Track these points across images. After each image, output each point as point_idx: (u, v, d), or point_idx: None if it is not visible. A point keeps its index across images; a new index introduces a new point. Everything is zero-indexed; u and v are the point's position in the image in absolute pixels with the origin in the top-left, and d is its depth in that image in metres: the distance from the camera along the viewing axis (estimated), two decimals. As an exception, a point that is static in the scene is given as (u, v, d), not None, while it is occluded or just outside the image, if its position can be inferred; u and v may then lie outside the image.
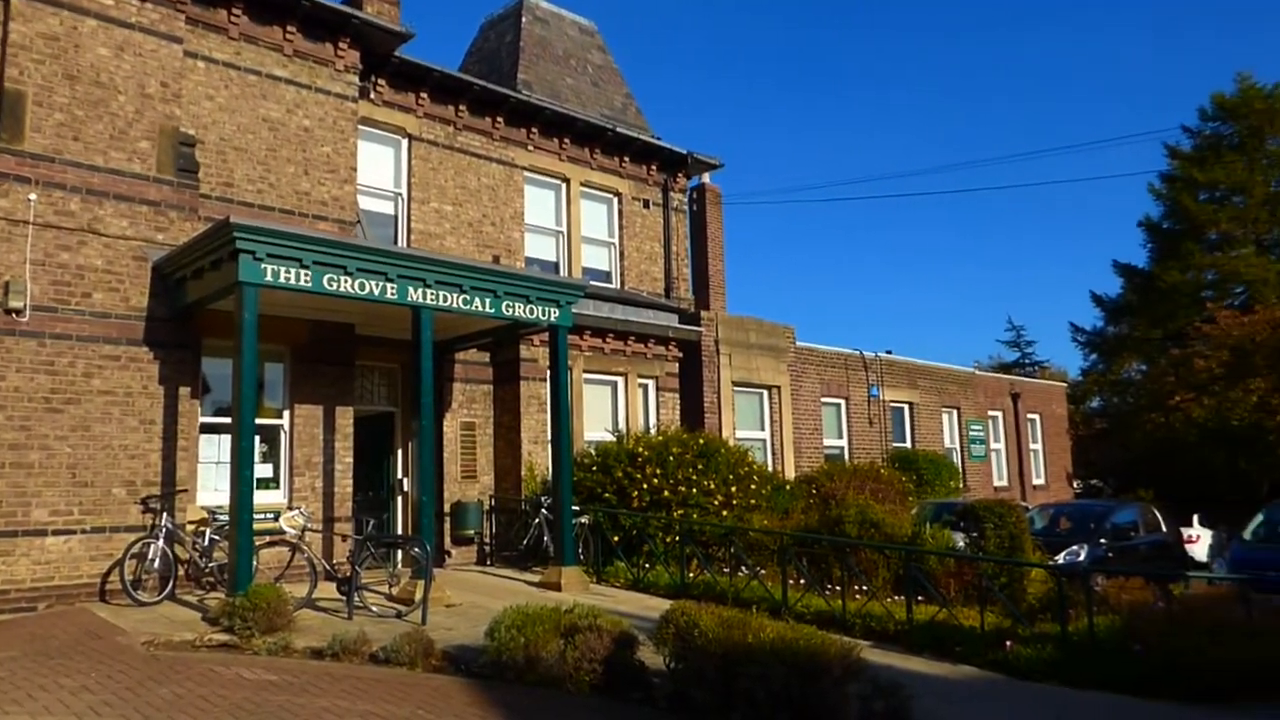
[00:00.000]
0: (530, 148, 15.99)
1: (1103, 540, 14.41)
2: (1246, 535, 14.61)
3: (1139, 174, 59.72)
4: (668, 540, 12.52)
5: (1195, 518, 21.97)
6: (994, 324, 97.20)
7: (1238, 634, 8.47)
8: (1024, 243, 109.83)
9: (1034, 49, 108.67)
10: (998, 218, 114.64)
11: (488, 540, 14.26)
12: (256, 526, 9.62)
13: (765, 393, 17.90)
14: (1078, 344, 38.79)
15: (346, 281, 10.15)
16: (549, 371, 12.92)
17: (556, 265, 16.27)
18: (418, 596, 9.45)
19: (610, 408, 15.93)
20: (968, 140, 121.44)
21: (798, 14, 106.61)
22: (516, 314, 11.71)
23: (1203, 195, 34.14)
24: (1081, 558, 13.53)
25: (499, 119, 15.52)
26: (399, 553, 11.40)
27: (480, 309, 11.34)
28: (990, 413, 24.97)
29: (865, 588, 10.50)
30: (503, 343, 14.29)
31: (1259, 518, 15.04)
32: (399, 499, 13.73)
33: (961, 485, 21.61)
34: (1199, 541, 20.17)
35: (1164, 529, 16.71)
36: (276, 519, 10.50)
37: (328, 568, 10.49)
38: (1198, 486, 28.38)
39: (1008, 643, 8.74)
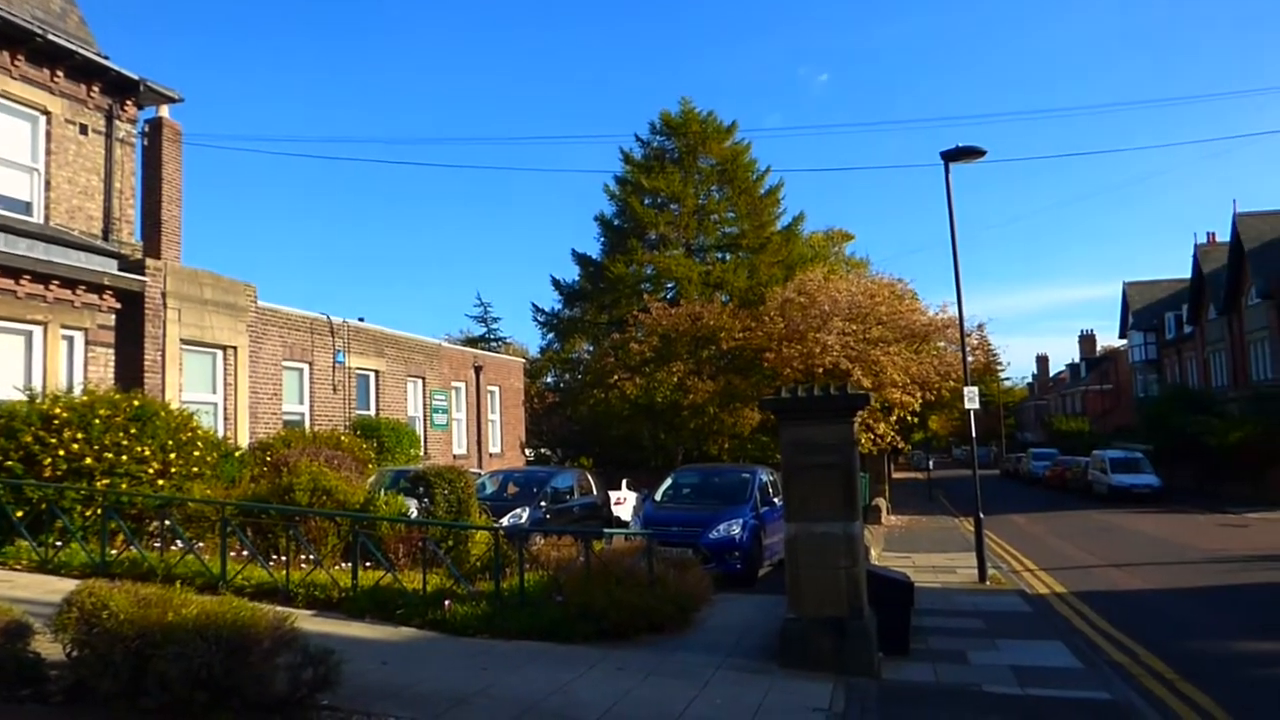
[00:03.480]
0: (-75, 39, 12.98)
1: (543, 503, 15.74)
2: (657, 497, 16.89)
3: (602, 172, 66.15)
4: (88, 514, 11.04)
5: (624, 482, 25.04)
6: (466, 299, 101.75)
7: (641, 583, 9.75)
8: (499, 224, 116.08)
9: (539, 38, 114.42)
10: (477, 197, 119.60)
11: None
12: None
13: (220, 353, 16.61)
14: (538, 324, 41.84)
15: None
16: (-64, 314, 10.63)
17: (-43, 187, 13.43)
18: None
19: (24, 362, 13.57)
20: (455, 117, 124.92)
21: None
22: (-112, 240, 9.44)
23: (647, 200, 38.81)
24: (523, 520, 14.63)
25: (-121, -5, 12.37)
26: None
27: None
28: (454, 384, 25.93)
29: (313, 556, 10.25)
30: None
31: (668, 481, 17.49)
32: None
33: (422, 453, 22.15)
34: (625, 503, 22.97)
35: (595, 492, 18.75)
36: None
37: None
38: (629, 454, 32.44)
39: (447, 602, 9.12)
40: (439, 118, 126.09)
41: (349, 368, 20.46)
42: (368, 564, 10.07)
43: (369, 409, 21.39)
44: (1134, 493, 34.58)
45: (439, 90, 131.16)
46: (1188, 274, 52.27)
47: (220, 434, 15.70)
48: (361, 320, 21.96)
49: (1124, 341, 68.57)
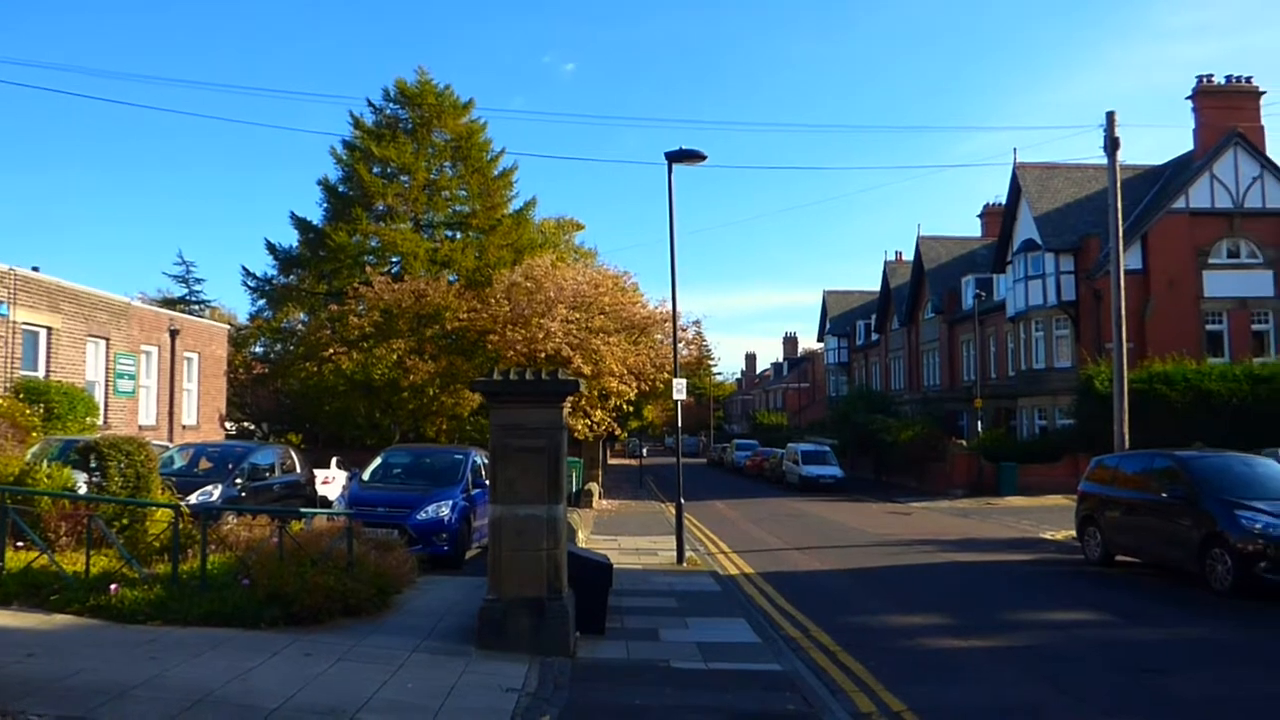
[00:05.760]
0: None
1: (239, 481, 14.72)
2: (365, 476, 16.32)
3: (329, 134, 62.82)
4: None
5: (334, 460, 24.04)
6: (166, 257, 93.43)
7: (339, 565, 9.37)
8: (210, 179, 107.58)
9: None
10: (185, 147, 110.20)
11: None
12: None
13: None
14: (248, 288, 39.05)
15: None
16: None
17: None
18: None
19: None
20: (171, 57, 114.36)
21: None
22: None
23: (376, 169, 37.25)
24: (215, 497, 13.62)
25: None
26: None
27: None
28: (145, 347, 23.66)
29: (-52, 536, 8.99)
30: None
31: (377, 460, 16.93)
32: None
33: (102, 422, 20.05)
34: (334, 483, 22.03)
35: (300, 470, 17.80)
36: None
37: None
38: (344, 432, 31.12)
39: (114, 586, 8.31)
40: (155, 56, 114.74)
41: (14, 322, 18.08)
42: (20, 544, 8.98)
43: (37, 370, 19.02)
44: (821, 483, 37.76)
45: (155, 27, 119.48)
46: (878, 286, 57.90)
47: None
48: (35, 270, 19.53)
49: (822, 344, 74.95)
